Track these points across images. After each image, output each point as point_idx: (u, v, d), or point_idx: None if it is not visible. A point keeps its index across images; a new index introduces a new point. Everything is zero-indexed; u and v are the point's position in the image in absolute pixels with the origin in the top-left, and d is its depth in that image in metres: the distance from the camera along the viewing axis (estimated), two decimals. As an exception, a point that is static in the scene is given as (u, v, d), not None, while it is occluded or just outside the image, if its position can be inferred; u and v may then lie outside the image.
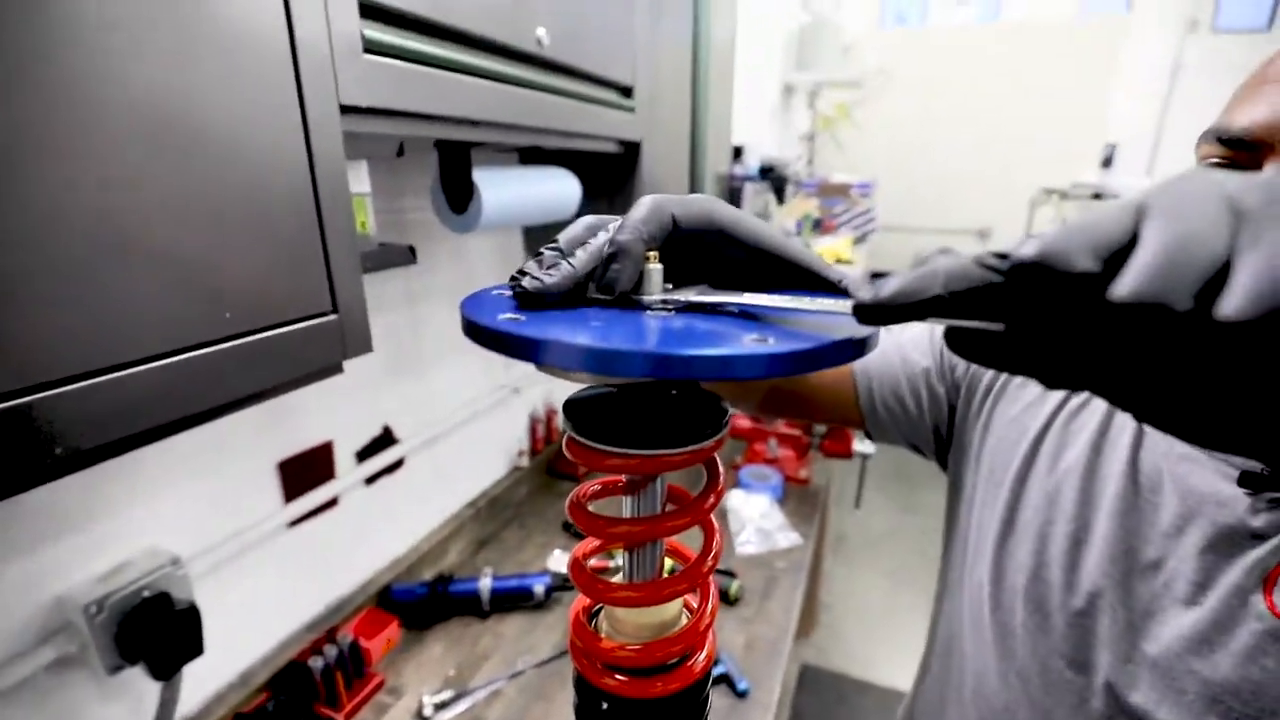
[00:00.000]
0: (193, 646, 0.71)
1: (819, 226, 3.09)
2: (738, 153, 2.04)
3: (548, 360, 0.20)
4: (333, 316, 0.54)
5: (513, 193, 0.90)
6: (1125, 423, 0.49)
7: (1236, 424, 0.17)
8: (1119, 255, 0.16)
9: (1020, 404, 0.55)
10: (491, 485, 1.38)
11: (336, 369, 0.57)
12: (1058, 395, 0.53)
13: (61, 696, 0.68)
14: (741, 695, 0.93)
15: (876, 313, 0.19)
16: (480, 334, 0.22)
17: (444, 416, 1.20)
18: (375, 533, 1.10)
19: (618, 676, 0.28)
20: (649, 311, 0.25)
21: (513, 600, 1.09)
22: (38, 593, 0.65)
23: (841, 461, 1.79)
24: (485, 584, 1.07)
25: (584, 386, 0.28)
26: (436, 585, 1.06)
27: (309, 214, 0.51)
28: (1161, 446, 0.47)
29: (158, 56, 0.39)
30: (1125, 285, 0.15)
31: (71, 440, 0.37)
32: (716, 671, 0.92)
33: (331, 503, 0.98)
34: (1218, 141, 0.36)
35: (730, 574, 1.18)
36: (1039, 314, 0.17)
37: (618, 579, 0.29)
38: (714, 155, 1.48)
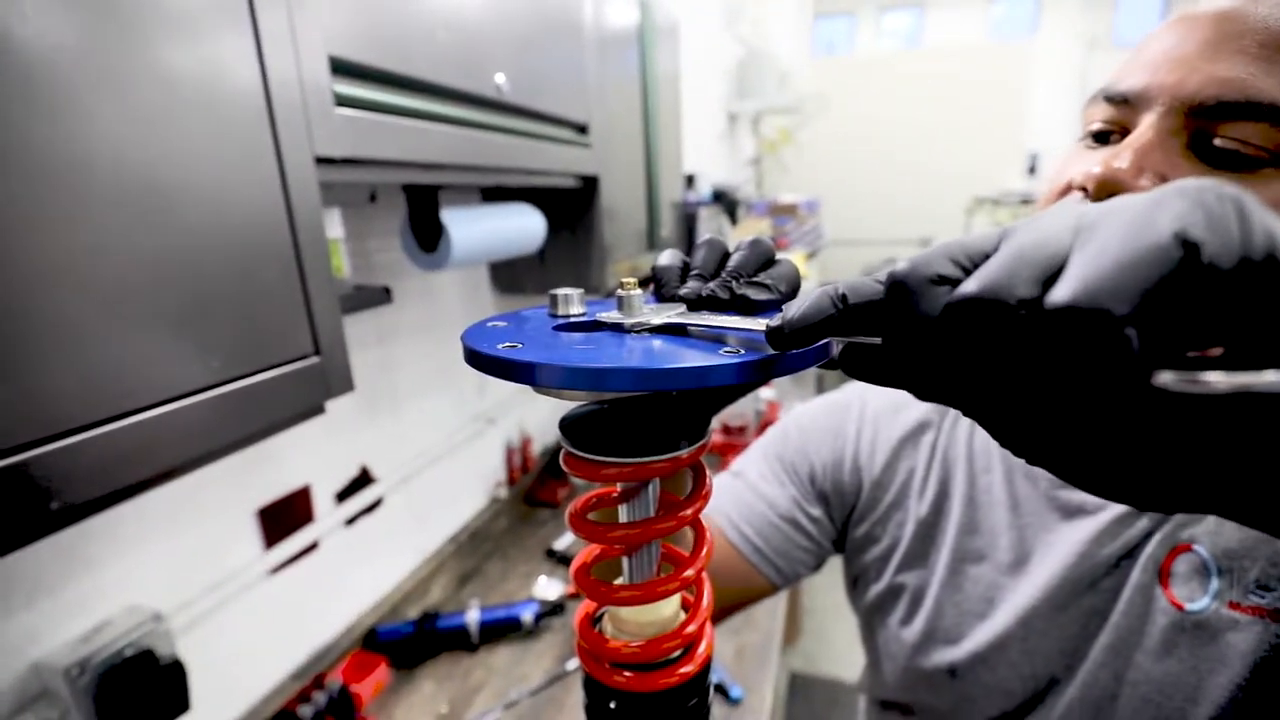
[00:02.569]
0: (179, 703, 0.70)
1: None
2: (690, 180, 2.11)
3: (545, 381, 0.22)
4: (315, 359, 0.56)
5: (480, 230, 0.93)
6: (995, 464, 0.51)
7: (1080, 444, 0.17)
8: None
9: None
10: (471, 518, 1.37)
11: (319, 410, 0.58)
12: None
13: (43, 767, 0.66)
14: (735, 702, 0.95)
15: (784, 337, 0.20)
16: (483, 362, 0.24)
17: (420, 453, 1.20)
18: (357, 574, 1.09)
19: (625, 673, 0.29)
20: (630, 334, 0.26)
21: (501, 631, 1.08)
22: (13, 660, 0.63)
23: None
24: (473, 616, 1.07)
25: (577, 405, 0.30)
26: (423, 622, 1.06)
27: (290, 262, 0.53)
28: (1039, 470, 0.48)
29: (142, 123, 0.40)
30: (968, 282, 0.16)
31: (68, 494, 0.37)
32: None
33: (312, 547, 0.97)
34: (1104, 101, 0.39)
35: (713, 587, 1.19)
36: (904, 322, 0.18)
37: (619, 582, 0.31)
38: (668, 184, 1.54)
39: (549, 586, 1.20)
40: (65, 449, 0.37)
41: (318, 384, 0.56)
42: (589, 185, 1.13)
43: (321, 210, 0.55)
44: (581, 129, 1.05)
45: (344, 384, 0.59)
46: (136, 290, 0.41)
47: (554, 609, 1.12)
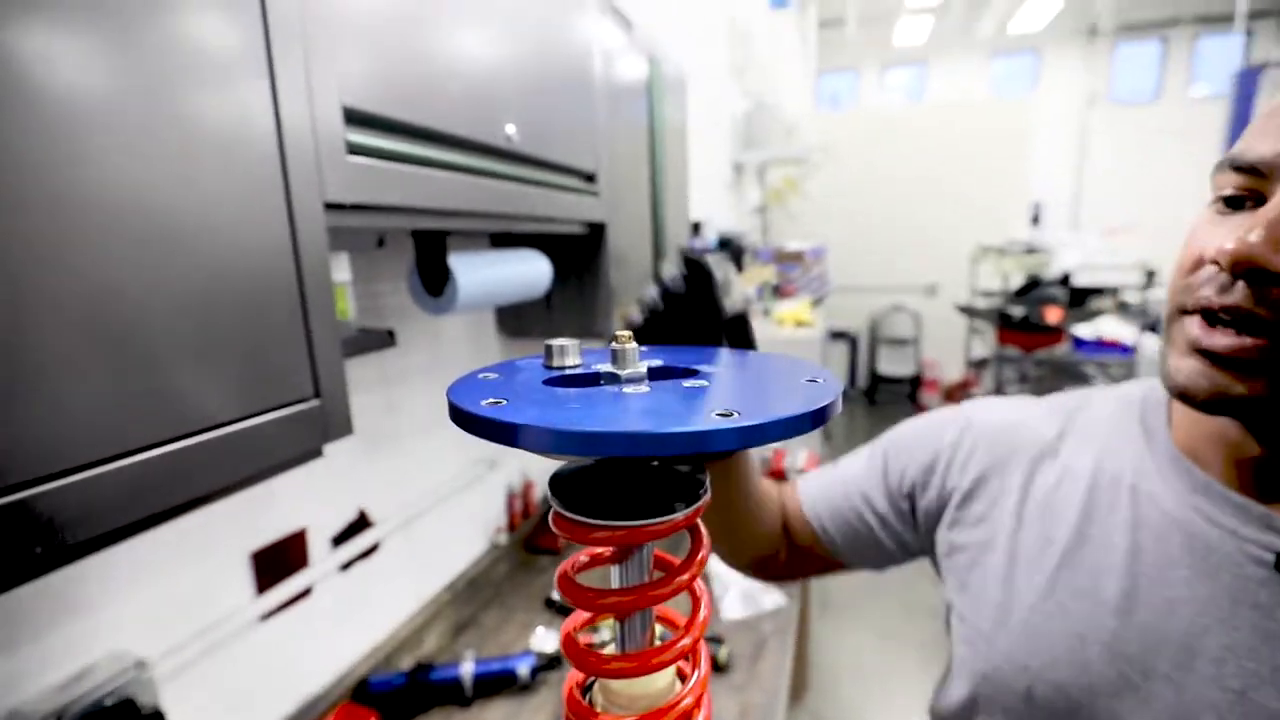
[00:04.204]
0: (158, 758, 0.67)
1: (778, 291, 3.21)
2: (696, 227, 2.14)
3: (528, 444, 0.21)
4: (315, 402, 0.55)
5: (487, 275, 0.93)
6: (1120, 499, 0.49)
7: None
8: None
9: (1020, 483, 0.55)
10: (470, 565, 1.34)
11: (317, 453, 0.57)
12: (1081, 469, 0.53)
13: (12, 825, 0.63)
14: (735, 770, 0.90)
15: None
16: (466, 420, 0.23)
17: (420, 497, 1.19)
18: (351, 622, 1.06)
19: (615, 749, 0.28)
20: (624, 388, 0.26)
21: (497, 684, 1.05)
22: (-10, 710, 0.61)
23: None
24: (467, 669, 1.03)
25: (568, 461, 0.29)
26: (416, 674, 1.02)
27: (294, 306, 0.53)
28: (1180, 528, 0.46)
29: (159, 169, 0.41)
30: None
31: (55, 536, 0.36)
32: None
33: (305, 592, 0.95)
34: (1232, 170, 0.39)
35: (718, 640, 1.16)
36: None
37: (610, 650, 0.30)
38: (674, 231, 1.56)
39: (547, 638, 1.16)
40: (58, 490, 0.36)
41: (316, 427, 0.56)
42: (596, 232, 1.14)
43: (328, 255, 0.56)
44: (590, 178, 1.06)
45: (343, 428, 0.59)
46: (139, 331, 0.41)
47: (551, 662, 1.09)
